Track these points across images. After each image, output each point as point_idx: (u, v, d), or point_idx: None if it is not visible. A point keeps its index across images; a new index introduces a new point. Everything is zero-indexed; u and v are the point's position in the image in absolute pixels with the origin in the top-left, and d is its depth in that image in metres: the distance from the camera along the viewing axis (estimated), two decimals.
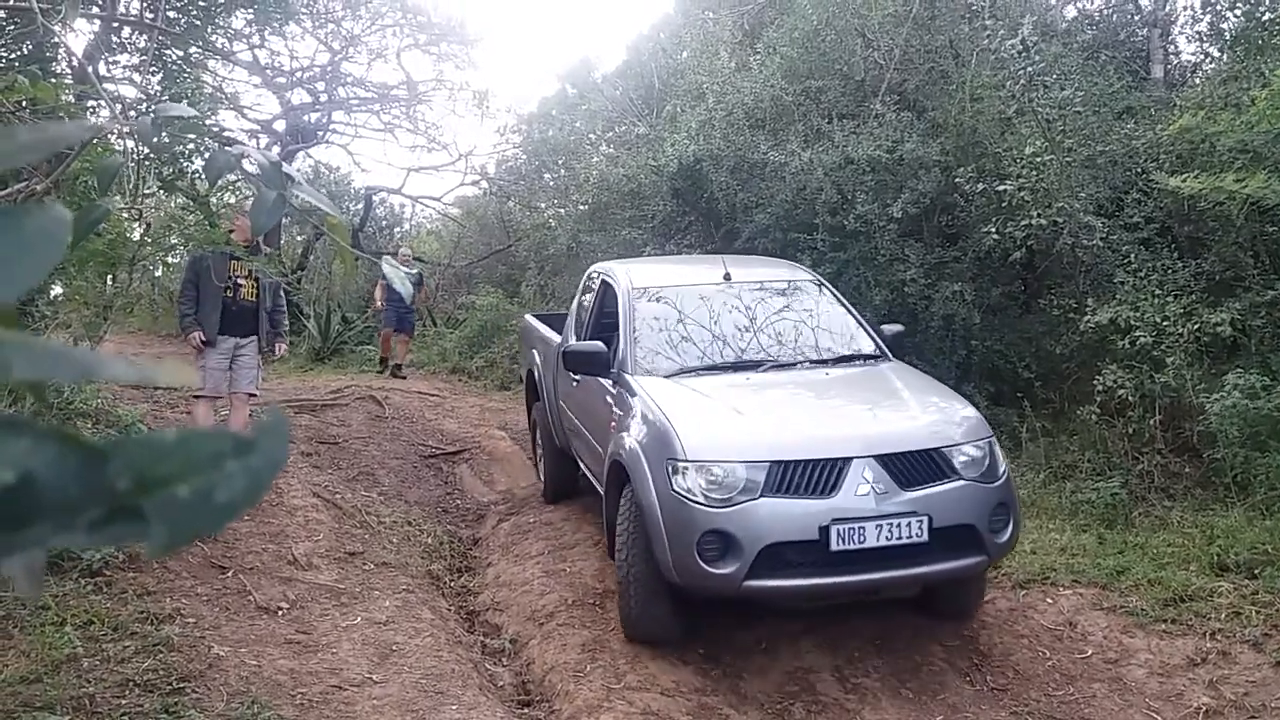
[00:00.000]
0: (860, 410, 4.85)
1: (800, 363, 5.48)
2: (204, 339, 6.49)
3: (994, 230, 7.91)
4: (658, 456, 4.45)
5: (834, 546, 4.12)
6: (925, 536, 4.22)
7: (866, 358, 5.60)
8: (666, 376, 5.17)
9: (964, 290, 8.43)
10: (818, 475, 4.23)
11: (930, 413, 4.84)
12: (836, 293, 6.20)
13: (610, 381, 5.42)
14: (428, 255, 19.56)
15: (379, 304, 13.74)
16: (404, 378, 13.28)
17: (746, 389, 5.03)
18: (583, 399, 6.13)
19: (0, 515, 0.44)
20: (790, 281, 6.22)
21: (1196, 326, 6.73)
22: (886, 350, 5.67)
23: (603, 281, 6.55)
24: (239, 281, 6.63)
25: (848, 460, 4.27)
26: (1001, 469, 4.62)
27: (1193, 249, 7.99)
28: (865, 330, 5.84)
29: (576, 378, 6.04)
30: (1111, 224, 7.74)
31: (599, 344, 5.61)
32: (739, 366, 5.34)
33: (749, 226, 9.96)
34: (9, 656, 3.91)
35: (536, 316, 8.64)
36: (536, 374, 7.72)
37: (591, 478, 6.20)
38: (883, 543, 4.16)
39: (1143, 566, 5.38)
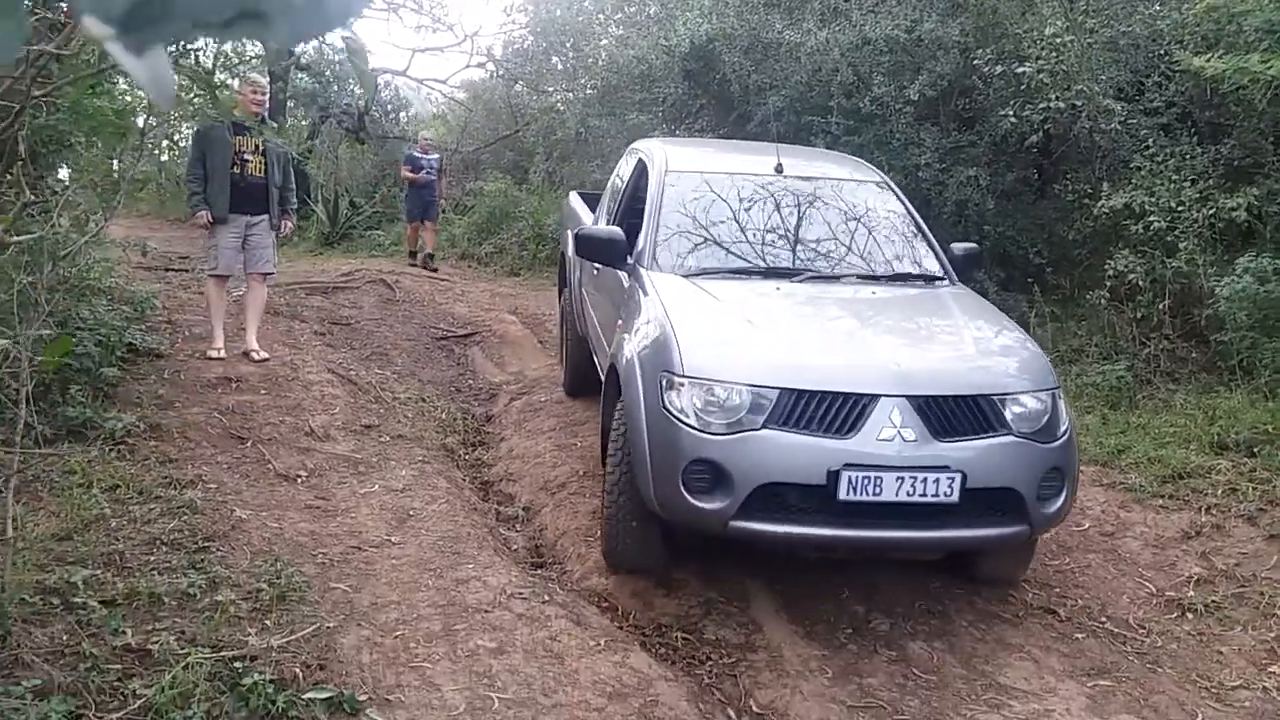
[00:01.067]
0: (900, 340, 4.16)
1: (846, 276, 4.75)
2: (212, 217, 6.46)
3: (1011, 114, 7.79)
4: (653, 367, 3.91)
5: (842, 495, 3.54)
6: (955, 496, 3.59)
7: (926, 278, 4.87)
8: (686, 276, 4.56)
9: (979, 175, 8.35)
10: (835, 411, 3.62)
11: (986, 351, 4.17)
12: (903, 198, 5.42)
13: (626, 275, 4.87)
14: (435, 139, 19.29)
15: (414, 177, 12.88)
16: (435, 270, 12.78)
17: (772, 301, 4.38)
18: (599, 290, 5.68)
19: (135, 14, 0.47)
20: (851, 180, 5.47)
21: (1212, 212, 6.68)
22: (953, 272, 4.91)
23: (639, 161, 5.96)
24: (246, 157, 6.52)
25: (874, 397, 3.63)
26: (1063, 427, 3.92)
27: (1213, 135, 7.87)
28: (930, 245, 5.06)
29: (597, 266, 5.55)
30: (1131, 108, 7.62)
31: (617, 230, 5.02)
32: (772, 273, 4.68)
33: (761, 109, 9.80)
34: (39, 516, 4.04)
35: (580, 195, 8.15)
36: (568, 258, 7.21)
37: (602, 376, 5.58)
38: (901, 498, 3.56)
39: (1144, 445, 5.48)
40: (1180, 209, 6.76)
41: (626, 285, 4.81)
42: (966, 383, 3.81)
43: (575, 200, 7.94)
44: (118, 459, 4.75)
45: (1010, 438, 3.75)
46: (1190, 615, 4.28)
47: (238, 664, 3.09)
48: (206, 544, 4.00)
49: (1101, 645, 3.99)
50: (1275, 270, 5.93)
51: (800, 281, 4.59)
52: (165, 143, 18.18)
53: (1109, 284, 7.08)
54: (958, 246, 5.07)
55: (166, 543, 3.97)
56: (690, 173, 5.31)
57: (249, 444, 5.28)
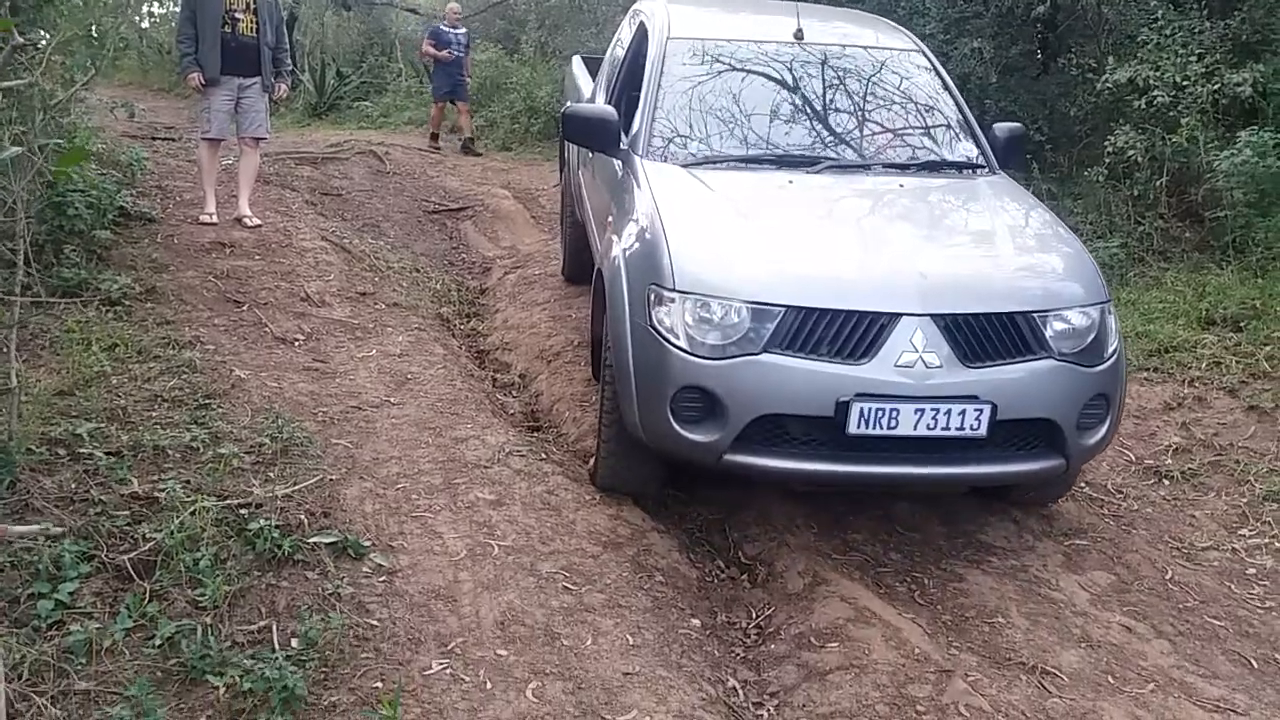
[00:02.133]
0: (928, 245, 3.65)
1: (872, 165, 4.19)
2: (204, 79, 6.31)
3: None
4: (640, 276, 3.47)
5: (852, 429, 3.13)
6: (983, 430, 3.18)
7: (963, 166, 4.29)
8: (686, 166, 4.01)
9: (983, 47, 8.18)
10: (849, 332, 3.17)
11: (1026, 257, 3.69)
12: (942, 70, 4.75)
13: (619, 162, 4.32)
14: (423, 7, 18.69)
15: (439, 53, 12.07)
16: (480, 154, 12.24)
17: (783, 197, 3.84)
18: (594, 176, 5.12)
19: None
20: (882, 48, 4.78)
21: (1217, 87, 6.58)
22: (993, 159, 4.32)
23: (640, 24, 5.24)
24: (237, 15, 6.32)
25: (894, 316, 3.16)
26: (1112, 347, 3.45)
27: (1222, 9, 7.67)
28: (969, 126, 4.44)
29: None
30: None
31: (608, 110, 4.49)
32: (786, 162, 4.09)
33: None
34: (40, 374, 4.08)
35: (584, 61, 7.34)
36: None
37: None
38: (921, 432, 3.16)
39: (1132, 320, 5.53)
40: (1185, 84, 6.66)
41: (619, 175, 4.28)
42: (1003, 297, 3.33)
43: (578, 67, 7.24)
44: (115, 319, 4.77)
45: (1050, 361, 3.30)
46: (1166, 482, 4.41)
47: (243, 511, 3.18)
48: (207, 401, 4.05)
49: (1079, 508, 4.11)
50: (1276, 145, 5.89)
51: (818, 172, 4.05)
52: (145, 8, 17.62)
53: (1108, 161, 7.02)
54: (1000, 127, 4.44)
55: (168, 399, 4.02)
56: (696, 39, 4.66)
57: (245, 308, 5.29)
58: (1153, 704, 2.87)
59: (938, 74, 4.70)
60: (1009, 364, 3.26)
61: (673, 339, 3.27)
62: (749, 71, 4.53)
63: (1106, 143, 7.02)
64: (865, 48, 4.78)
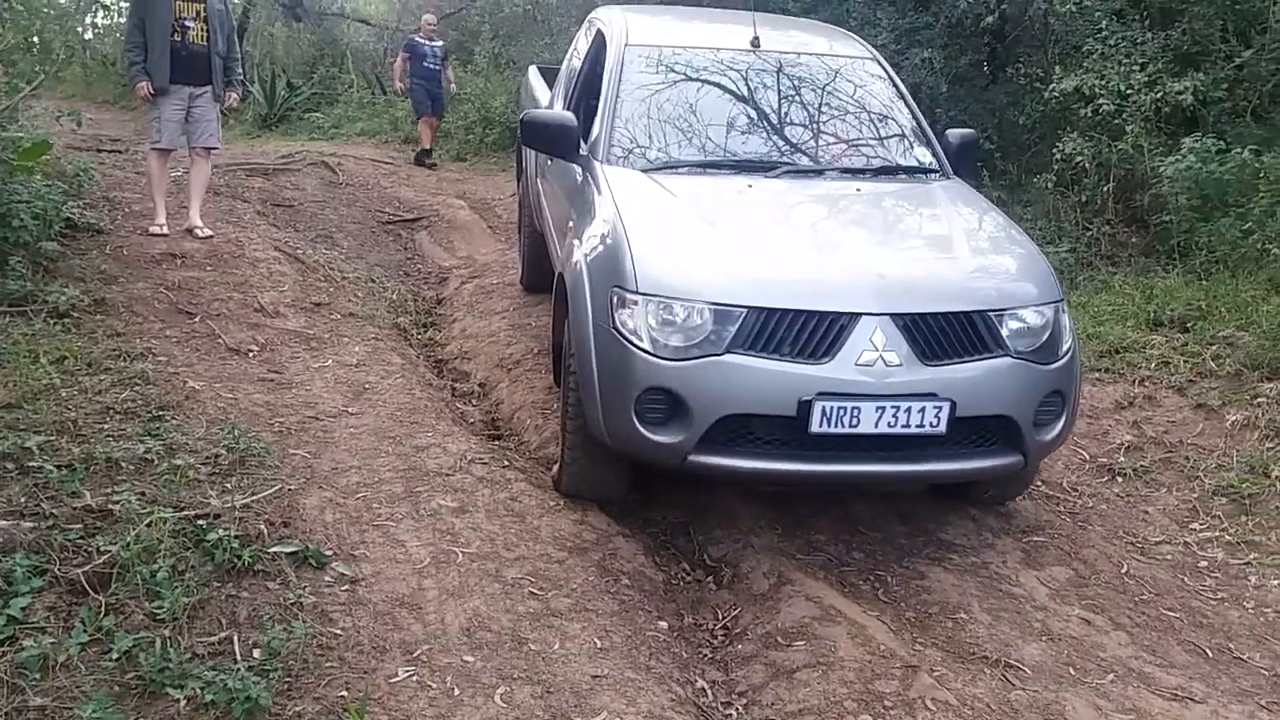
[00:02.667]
0: (885, 247, 3.74)
1: (827, 170, 4.23)
2: (153, 88, 6.21)
3: None
4: (603, 280, 3.47)
5: (815, 428, 3.17)
6: (942, 427, 3.24)
7: (918, 171, 4.38)
8: (646, 171, 4.02)
9: (933, 57, 8.33)
10: (810, 332, 3.21)
11: (981, 258, 3.74)
12: (895, 77, 4.83)
13: (579, 168, 4.29)
14: (374, 18, 18.61)
15: (401, 84, 12.15)
16: (434, 165, 12.08)
17: (743, 201, 3.89)
18: (553, 183, 5.10)
19: None
20: (837, 56, 4.84)
21: (1159, 96, 6.76)
22: (947, 164, 4.39)
23: (598, 33, 5.25)
24: (187, 24, 6.24)
25: (854, 316, 3.21)
26: (1066, 345, 3.52)
27: (1163, 21, 7.89)
28: (923, 132, 4.52)
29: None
30: None
31: (567, 115, 4.46)
32: (744, 167, 4.12)
33: None
34: None
35: (540, 71, 7.37)
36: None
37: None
38: (882, 429, 3.21)
39: (1083, 322, 5.64)
40: (1129, 93, 6.84)
41: (579, 181, 4.25)
42: (959, 296, 3.39)
43: (534, 77, 7.26)
44: (63, 332, 4.67)
45: (1006, 359, 3.35)
46: (1120, 479, 4.49)
47: (201, 522, 3.12)
48: (160, 413, 3.98)
49: (1036, 506, 4.18)
50: (1217, 151, 6.06)
51: (776, 177, 4.08)
52: (88, 19, 17.33)
53: (1056, 168, 7.18)
54: (954, 134, 4.48)
55: (120, 411, 3.94)
56: (653, 47, 4.67)
57: (197, 319, 5.20)
58: (1113, 694, 2.92)
59: (892, 82, 4.75)
60: (967, 362, 3.31)
61: (636, 341, 3.27)
62: (707, 79, 4.55)
63: (1054, 150, 7.18)
64: (821, 55, 4.83)
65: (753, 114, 4.45)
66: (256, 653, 2.64)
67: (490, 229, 9.25)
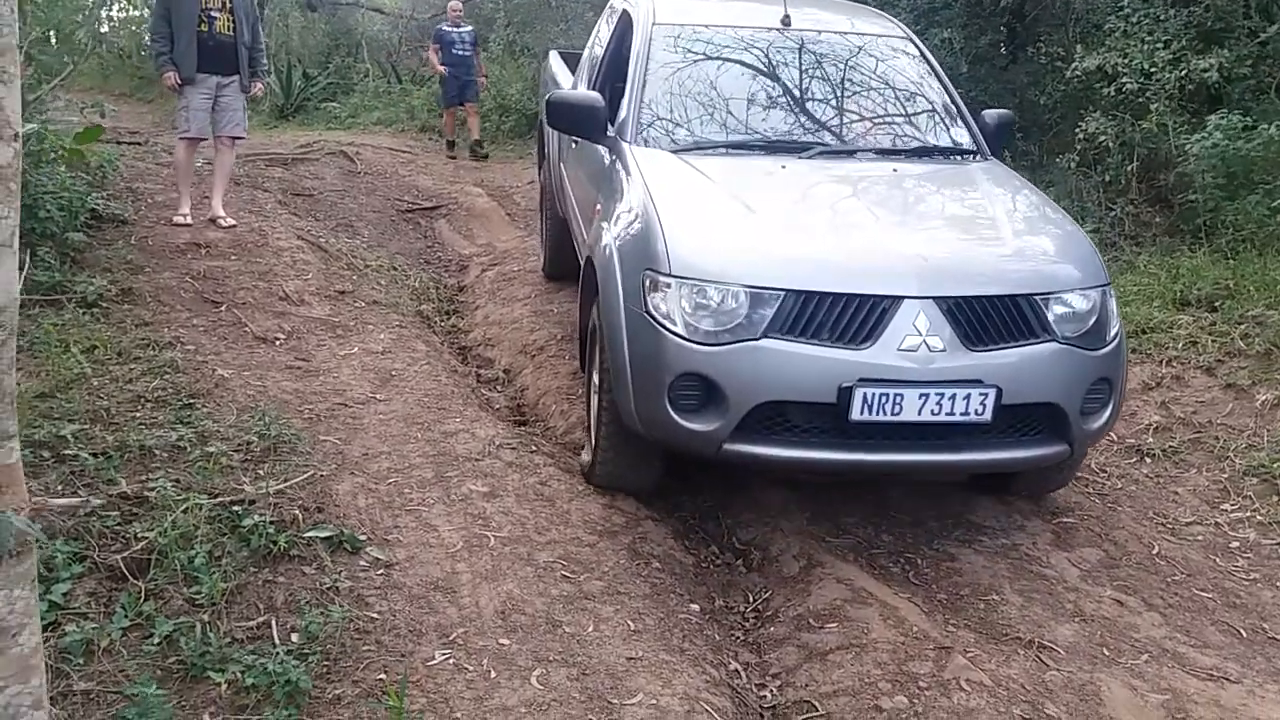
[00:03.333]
0: (926, 228, 3.65)
1: (863, 151, 4.19)
2: (180, 78, 6.24)
3: None
4: (635, 262, 3.40)
5: (855, 415, 3.08)
6: (988, 415, 3.13)
7: (954, 152, 4.28)
8: (676, 152, 3.96)
9: (953, 37, 8.26)
10: (850, 316, 3.11)
11: (1025, 240, 3.64)
12: (930, 57, 4.72)
13: (606, 150, 4.26)
14: (389, 6, 18.61)
15: (442, 68, 11.76)
16: (486, 156, 11.86)
17: (776, 181, 3.82)
18: (579, 166, 5.03)
19: None
20: (871, 35, 4.73)
21: (1184, 73, 6.69)
22: (985, 144, 4.31)
23: (623, 13, 5.19)
24: (213, 14, 6.25)
25: (896, 300, 3.11)
26: (1113, 330, 3.43)
27: None
28: (960, 113, 4.42)
29: (576, 139, 4.89)
30: None
31: (594, 95, 4.39)
32: (776, 148, 4.05)
33: None
34: (19, 376, 4.00)
35: (561, 55, 7.26)
36: (546, 127, 6.48)
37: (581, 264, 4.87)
38: (925, 418, 3.11)
39: None
40: (1153, 71, 6.76)
41: (607, 162, 4.20)
42: (1004, 279, 3.29)
43: (555, 61, 7.13)
44: (92, 321, 4.71)
45: (1053, 345, 3.25)
46: (1149, 460, 4.47)
47: (236, 508, 3.15)
48: (191, 401, 4.01)
49: (1066, 488, 4.16)
50: (1244, 128, 6.00)
51: (810, 158, 4.01)
52: (104, 12, 17.40)
53: (1079, 148, 7.11)
54: (990, 114, 4.42)
55: (151, 400, 3.97)
56: (682, 25, 4.60)
57: (224, 308, 5.23)
58: (1148, 674, 2.91)
59: (926, 61, 4.65)
60: (1012, 347, 3.21)
61: (669, 325, 3.19)
62: (736, 58, 4.47)
63: (1077, 130, 7.11)
64: (853, 34, 4.71)
65: (784, 94, 4.39)
66: (295, 637, 2.66)
67: (509, 216, 9.25)
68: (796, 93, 4.41)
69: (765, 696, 2.86)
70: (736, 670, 2.95)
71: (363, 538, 3.16)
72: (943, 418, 3.12)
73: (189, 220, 6.39)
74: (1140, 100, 6.87)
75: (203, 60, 6.24)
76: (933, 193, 4.03)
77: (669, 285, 3.22)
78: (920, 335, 3.11)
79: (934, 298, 3.14)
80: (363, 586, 2.96)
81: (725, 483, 4.00)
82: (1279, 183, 5.87)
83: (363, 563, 3.07)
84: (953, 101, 4.47)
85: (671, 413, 3.20)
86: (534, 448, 4.07)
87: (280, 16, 18.22)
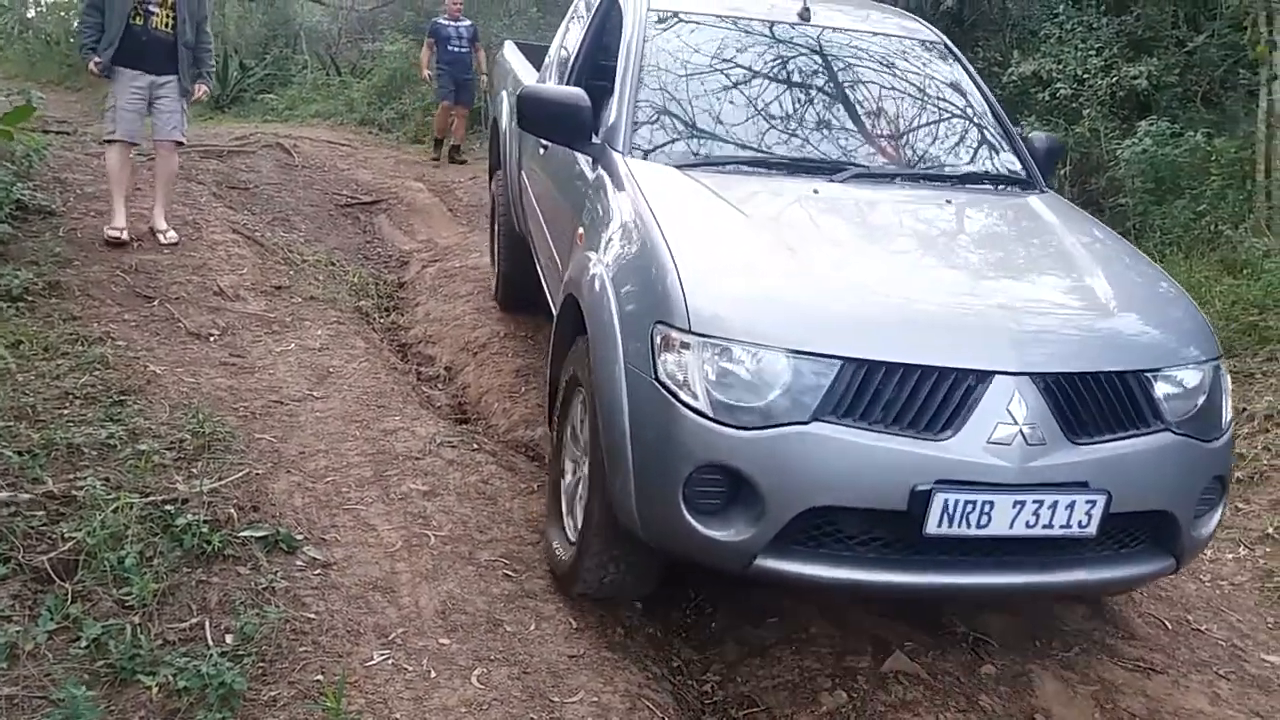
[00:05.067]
0: (1009, 280, 2.94)
1: (904, 175, 3.47)
2: (103, 69, 5.70)
3: None
4: (639, 311, 2.65)
5: (931, 528, 2.39)
6: (1092, 527, 2.49)
7: (1005, 181, 3.58)
8: (681, 167, 3.22)
9: None
10: (928, 395, 2.42)
11: (1122, 300, 2.83)
12: (968, 65, 4.05)
13: (589, 159, 3.53)
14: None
15: (426, 71, 11.37)
16: (464, 161, 11.33)
17: (812, 211, 3.10)
18: (548, 177, 4.26)
19: None
20: (902, 37, 4.03)
21: (1115, 80, 6.88)
22: (1038, 173, 3.65)
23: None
24: (151, 8, 5.72)
25: (986, 375, 2.44)
26: (1227, 415, 2.82)
27: (1117, 7, 8.02)
28: (1008, 134, 3.75)
29: (544, 143, 4.14)
30: None
31: (577, 92, 3.52)
32: (802, 167, 3.33)
33: None
34: None
35: (518, 46, 6.39)
36: (500, 126, 5.76)
37: (548, 296, 4.22)
38: (1017, 531, 2.44)
39: None
40: (1086, 77, 6.94)
41: (591, 176, 3.46)
42: (1110, 350, 2.65)
43: (512, 54, 6.18)
44: (17, 315, 4.57)
45: (1166, 435, 2.61)
46: None
47: (168, 507, 3.08)
48: (122, 398, 3.91)
49: None
50: (1172, 134, 6.18)
51: (843, 182, 3.25)
52: None
53: None
54: (1039, 137, 3.83)
55: (79, 396, 3.87)
56: (681, 14, 3.87)
57: (156, 302, 5.11)
58: (1078, 665, 2.99)
59: (966, 70, 3.98)
60: (1122, 439, 2.56)
61: (687, 400, 2.45)
62: (749, 55, 3.73)
63: None
64: (881, 34, 4.01)
65: (808, 101, 3.64)
66: (229, 638, 2.61)
67: (451, 212, 9.18)
68: (823, 101, 3.66)
69: (707, 692, 2.88)
70: (679, 666, 2.97)
71: (299, 537, 3.11)
72: (1039, 531, 2.46)
73: (124, 236, 5.77)
74: (1074, 106, 7.05)
75: (134, 57, 5.71)
76: (1001, 233, 3.31)
77: (687, 345, 2.47)
78: (1015, 423, 2.43)
79: (1032, 373, 2.47)
80: (299, 586, 2.91)
81: None
82: (1203, 188, 6.05)
83: (299, 562, 3.02)
84: (999, 120, 3.81)
85: (687, 515, 2.47)
86: (476, 446, 4.04)
87: (216, 5, 17.86)
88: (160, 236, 5.96)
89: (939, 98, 3.82)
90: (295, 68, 16.10)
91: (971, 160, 3.66)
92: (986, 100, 3.86)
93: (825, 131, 3.55)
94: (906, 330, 2.52)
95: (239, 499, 3.25)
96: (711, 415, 2.43)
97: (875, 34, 4.00)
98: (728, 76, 3.63)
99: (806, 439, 2.40)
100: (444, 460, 3.81)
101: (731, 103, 3.55)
